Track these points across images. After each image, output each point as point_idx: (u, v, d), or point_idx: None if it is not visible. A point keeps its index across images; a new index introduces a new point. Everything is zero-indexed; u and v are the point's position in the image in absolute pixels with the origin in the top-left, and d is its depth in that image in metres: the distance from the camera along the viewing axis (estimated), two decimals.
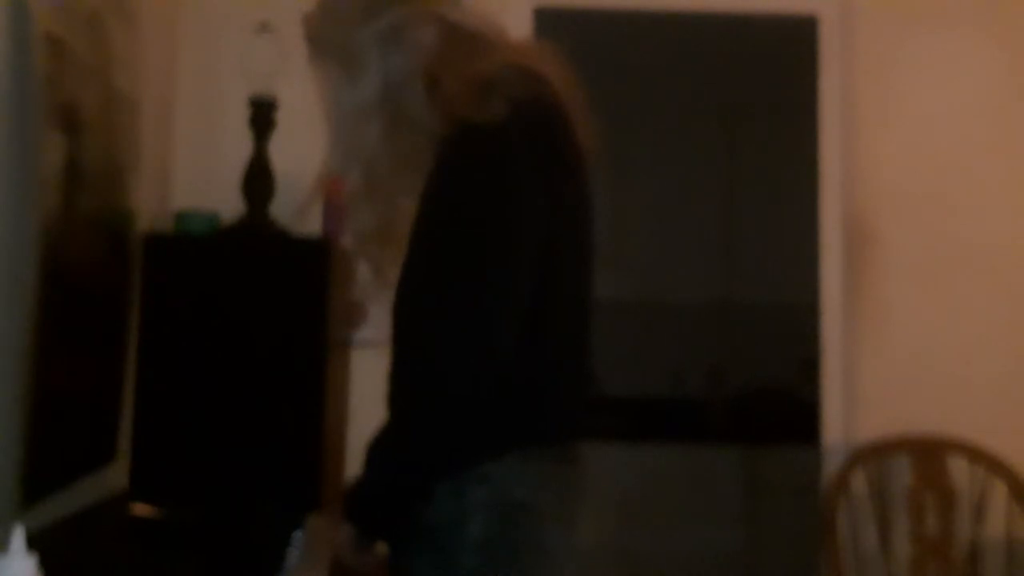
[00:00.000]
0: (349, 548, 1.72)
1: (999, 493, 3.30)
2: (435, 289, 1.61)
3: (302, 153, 3.16)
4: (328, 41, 1.81)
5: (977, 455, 3.31)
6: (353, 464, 3.11)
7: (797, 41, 3.58)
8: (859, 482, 3.35)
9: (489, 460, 1.64)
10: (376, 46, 1.74)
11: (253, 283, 2.74)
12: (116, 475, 2.56)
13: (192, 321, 2.71)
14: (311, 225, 3.08)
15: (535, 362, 1.67)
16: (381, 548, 1.76)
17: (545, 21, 3.44)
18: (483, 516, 1.63)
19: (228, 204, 2.88)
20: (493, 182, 1.61)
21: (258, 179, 2.84)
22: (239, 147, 2.85)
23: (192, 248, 2.81)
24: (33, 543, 1.33)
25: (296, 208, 2.61)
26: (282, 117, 2.84)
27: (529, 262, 1.62)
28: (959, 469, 3.33)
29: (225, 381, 2.69)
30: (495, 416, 1.63)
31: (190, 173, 3.18)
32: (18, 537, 1.30)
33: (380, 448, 1.67)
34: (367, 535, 1.72)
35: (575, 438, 1.77)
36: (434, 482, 1.64)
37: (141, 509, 2.42)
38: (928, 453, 3.34)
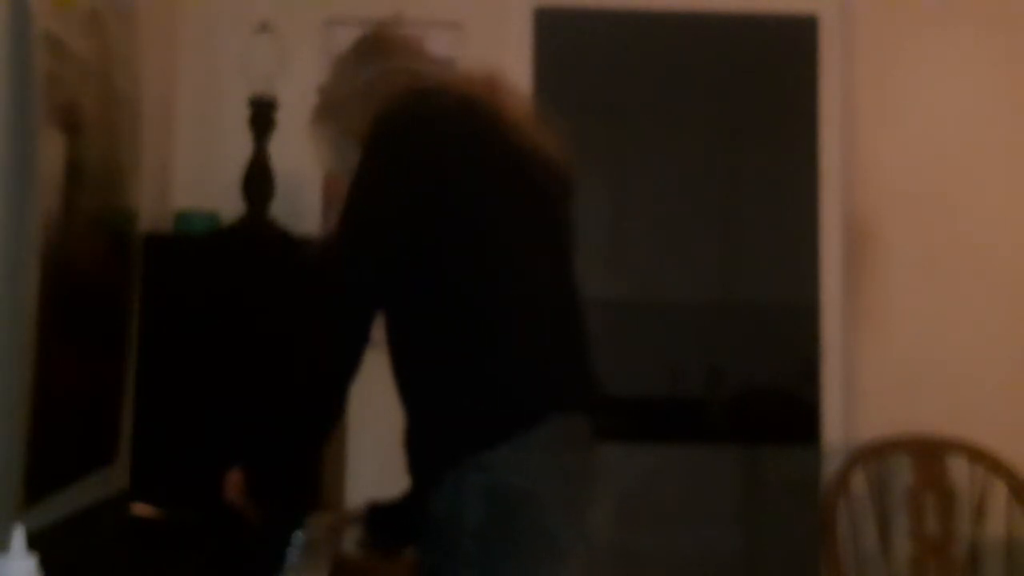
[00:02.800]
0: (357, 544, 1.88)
1: (999, 493, 3.30)
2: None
3: (302, 153, 3.17)
4: (333, 98, 2.03)
5: (977, 455, 3.31)
6: (354, 464, 3.11)
7: (797, 41, 3.58)
8: (859, 482, 3.34)
9: (485, 449, 1.72)
10: (360, 99, 1.95)
11: (253, 283, 2.73)
12: (116, 475, 2.56)
13: (192, 321, 2.71)
14: (311, 225, 3.08)
15: (487, 354, 1.77)
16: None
17: (545, 21, 3.43)
18: (480, 503, 1.71)
19: (228, 204, 2.88)
20: (380, 158, 1.84)
21: (258, 179, 2.84)
22: (239, 147, 2.85)
23: (192, 248, 2.81)
24: (33, 543, 1.33)
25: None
26: (282, 117, 2.84)
27: (399, 222, 1.80)
28: (959, 469, 3.33)
29: (225, 381, 2.69)
30: (459, 410, 1.76)
31: (190, 173, 3.18)
32: (18, 537, 1.30)
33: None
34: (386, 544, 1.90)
35: (578, 418, 1.83)
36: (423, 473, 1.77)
37: (141, 509, 2.42)
38: (928, 453, 3.34)
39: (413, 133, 1.84)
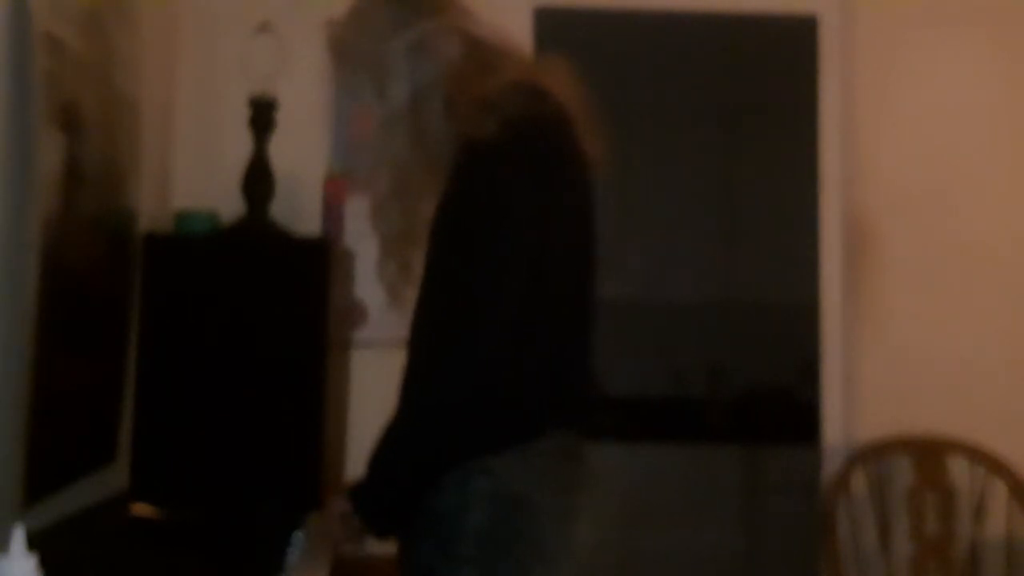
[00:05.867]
0: (340, 523, 1.83)
1: (999, 493, 3.30)
2: (434, 307, 1.74)
3: (302, 153, 3.18)
4: (356, 49, 1.89)
5: (977, 455, 3.31)
6: (353, 464, 3.11)
7: (797, 41, 3.58)
8: (859, 482, 3.34)
9: (491, 454, 1.73)
10: (406, 57, 1.83)
11: (253, 283, 2.74)
12: (116, 475, 2.56)
13: (192, 321, 2.71)
14: (311, 225, 3.09)
15: (527, 361, 1.75)
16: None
17: (545, 21, 3.43)
18: (484, 506, 1.73)
19: (228, 204, 2.88)
20: (487, 202, 1.73)
21: (258, 179, 2.84)
22: (239, 147, 2.85)
23: (192, 248, 2.81)
24: (33, 543, 1.33)
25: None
26: (282, 117, 2.84)
27: (518, 275, 1.71)
28: (959, 469, 3.33)
29: (225, 381, 2.69)
30: (488, 414, 1.72)
31: (190, 173, 3.18)
32: (18, 537, 1.30)
33: (384, 448, 1.79)
34: (374, 530, 1.83)
35: (573, 432, 1.84)
36: (431, 477, 1.74)
37: (141, 509, 2.42)
38: (928, 453, 3.34)
39: (515, 164, 1.73)
